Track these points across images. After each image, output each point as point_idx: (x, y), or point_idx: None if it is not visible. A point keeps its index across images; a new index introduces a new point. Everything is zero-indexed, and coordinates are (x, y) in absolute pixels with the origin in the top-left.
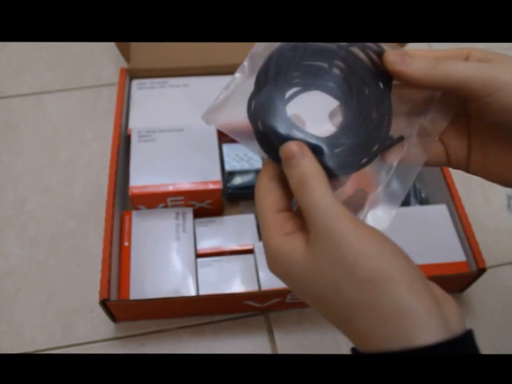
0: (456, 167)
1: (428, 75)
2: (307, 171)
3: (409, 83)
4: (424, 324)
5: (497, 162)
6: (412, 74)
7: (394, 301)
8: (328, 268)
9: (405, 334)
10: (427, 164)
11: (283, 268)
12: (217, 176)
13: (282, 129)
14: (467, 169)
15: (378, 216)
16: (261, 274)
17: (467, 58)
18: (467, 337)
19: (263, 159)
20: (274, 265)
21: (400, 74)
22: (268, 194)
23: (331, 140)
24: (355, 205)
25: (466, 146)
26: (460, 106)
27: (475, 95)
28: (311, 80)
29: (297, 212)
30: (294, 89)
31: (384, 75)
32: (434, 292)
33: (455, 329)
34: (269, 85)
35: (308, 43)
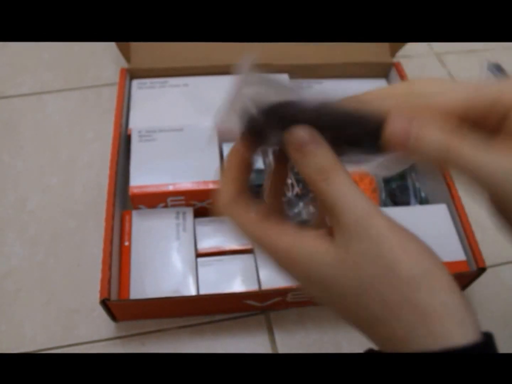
0: None
1: (438, 161)
2: (328, 161)
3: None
4: (465, 322)
5: None
6: (418, 158)
7: (437, 300)
8: (364, 267)
9: (448, 333)
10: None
11: (303, 269)
12: (218, 176)
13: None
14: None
15: None
16: (261, 273)
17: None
18: (489, 341)
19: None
20: (291, 268)
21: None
22: (240, 207)
23: None
24: None
25: None
26: None
27: (496, 200)
28: None
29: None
30: None
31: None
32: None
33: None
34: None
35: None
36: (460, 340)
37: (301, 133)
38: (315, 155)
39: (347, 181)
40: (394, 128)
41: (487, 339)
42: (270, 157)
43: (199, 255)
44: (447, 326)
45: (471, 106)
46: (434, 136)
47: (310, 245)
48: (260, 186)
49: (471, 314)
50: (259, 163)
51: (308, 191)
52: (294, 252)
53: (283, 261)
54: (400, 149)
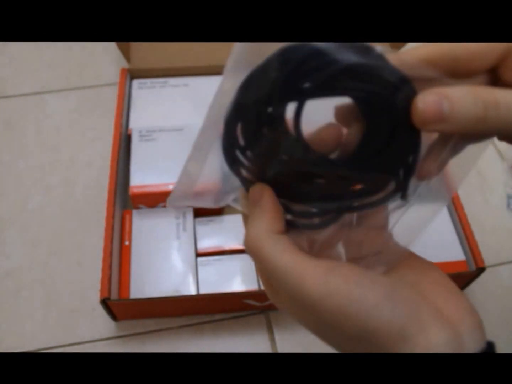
0: None
1: (476, 130)
2: (252, 221)
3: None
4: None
5: None
6: (455, 131)
7: (387, 353)
8: (319, 329)
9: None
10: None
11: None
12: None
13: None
14: None
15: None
16: None
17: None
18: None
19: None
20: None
21: (439, 132)
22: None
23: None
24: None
25: None
26: None
27: None
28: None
29: None
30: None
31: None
32: (445, 311)
33: (472, 346)
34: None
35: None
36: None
37: (255, 191)
38: (251, 227)
39: (274, 250)
40: (424, 102)
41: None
42: None
43: (199, 254)
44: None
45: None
46: (467, 95)
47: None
48: None
49: (436, 349)
50: None
51: None
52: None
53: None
54: (435, 124)
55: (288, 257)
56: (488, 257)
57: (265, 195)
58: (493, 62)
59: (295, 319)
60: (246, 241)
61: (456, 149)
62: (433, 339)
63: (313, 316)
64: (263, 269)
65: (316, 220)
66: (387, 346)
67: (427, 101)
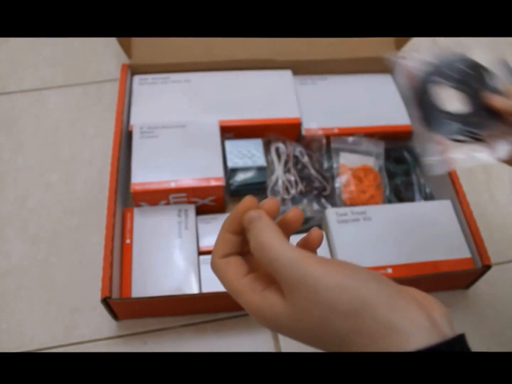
0: None
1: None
2: (260, 230)
3: None
4: (411, 335)
5: None
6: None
7: (379, 324)
8: (312, 311)
9: (399, 346)
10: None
11: (271, 323)
12: (220, 173)
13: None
14: None
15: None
16: None
17: None
18: (460, 340)
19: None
20: (264, 323)
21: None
22: (227, 266)
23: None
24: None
25: None
26: None
27: None
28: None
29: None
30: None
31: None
32: (417, 297)
33: (446, 331)
34: None
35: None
36: (414, 347)
37: (250, 213)
38: (254, 228)
39: (278, 243)
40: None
41: (447, 341)
42: (273, 155)
43: (201, 252)
44: (394, 344)
45: None
46: None
47: (269, 305)
48: (262, 183)
49: (419, 323)
50: (260, 161)
51: (312, 189)
52: (262, 312)
53: (258, 319)
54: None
55: (292, 249)
56: (494, 254)
57: (264, 216)
58: None
59: (291, 322)
60: (259, 240)
61: None
62: (415, 317)
63: (313, 298)
64: (268, 262)
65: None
66: (377, 318)
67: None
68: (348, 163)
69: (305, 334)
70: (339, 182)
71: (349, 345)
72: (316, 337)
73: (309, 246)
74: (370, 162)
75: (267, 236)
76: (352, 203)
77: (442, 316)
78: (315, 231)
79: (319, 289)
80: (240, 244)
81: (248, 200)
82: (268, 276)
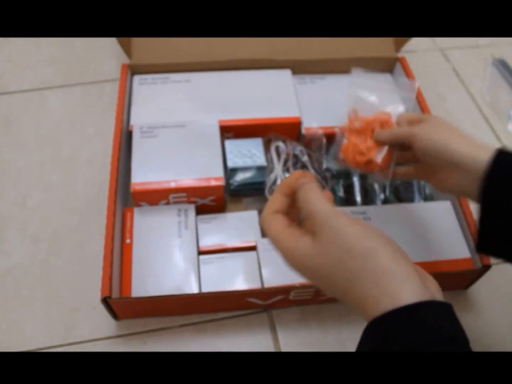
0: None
1: (388, 138)
2: (312, 189)
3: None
4: (405, 281)
5: (433, 177)
6: (384, 140)
7: (380, 268)
8: (332, 251)
9: (393, 291)
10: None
11: (299, 263)
12: (220, 173)
13: None
14: (428, 181)
15: None
16: (264, 271)
17: (420, 121)
18: (448, 306)
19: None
20: (293, 263)
21: (380, 142)
22: (274, 219)
23: None
24: None
25: (420, 168)
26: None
27: (408, 145)
28: None
29: (300, 225)
30: None
31: None
32: (417, 269)
33: (437, 297)
34: None
35: None
36: (405, 297)
37: (302, 179)
38: (307, 188)
39: (319, 198)
40: (376, 133)
41: (438, 302)
42: (272, 153)
43: (201, 252)
44: (391, 286)
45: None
46: (386, 131)
47: (301, 245)
48: (262, 183)
49: (414, 275)
50: (261, 160)
51: (326, 184)
52: (292, 248)
53: (290, 260)
54: (379, 138)
55: (328, 207)
56: None
57: (313, 181)
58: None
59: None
60: (307, 196)
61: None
62: (410, 273)
63: (334, 240)
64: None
65: None
66: (380, 263)
67: (377, 131)
68: (361, 110)
69: (322, 273)
70: (339, 136)
71: (354, 286)
72: (331, 276)
73: None
74: (393, 110)
75: (312, 195)
76: (348, 165)
77: (435, 287)
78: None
79: (340, 235)
80: (287, 205)
81: (299, 171)
82: (304, 229)
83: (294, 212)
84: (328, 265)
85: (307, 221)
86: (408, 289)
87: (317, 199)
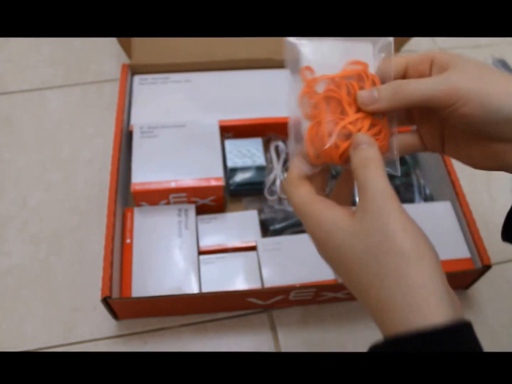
0: (433, 151)
1: (394, 103)
2: (373, 155)
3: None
4: (439, 302)
5: (467, 150)
6: (383, 108)
7: (420, 278)
8: (372, 236)
9: (422, 308)
10: (405, 151)
11: (324, 234)
12: (220, 173)
13: None
14: (442, 153)
15: None
16: (264, 271)
17: (431, 64)
18: (470, 326)
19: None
20: (316, 232)
21: (375, 112)
22: (303, 185)
23: None
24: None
25: (439, 138)
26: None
27: (438, 107)
28: None
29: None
30: None
31: None
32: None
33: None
34: None
35: None
36: (437, 318)
37: (365, 136)
38: (366, 150)
39: (381, 173)
40: (360, 94)
41: (464, 325)
42: (272, 153)
43: (201, 252)
44: (423, 302)
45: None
46: (387, 86)
47: (336, 215)
48: (261, 183)
49: (452, 297)
50: (260, 160)
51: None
52: (322, 216)
53: (314, 228)
54: (371, 105)
55: (388, 186)
56: (494, 254)
57: (376, 145)
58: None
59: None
60: (366, 163)
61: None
62: (447, 299)
63: (380, 228)
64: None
65: None
66: (424, 275)
67: (363, 92)
68: (318, 68)
69: (350, 258)
70: (295, 119)
71: (381, 285)
72: (358, 265)
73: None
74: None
75: (375, 161)
76: (324, 162)
77: (459, 306)
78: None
79: (388, 222)
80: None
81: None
82: (336, 203)
83: (320, 180)
84: (362, 251)
85: (358, 186)
86: (441, 310)
87: (377, 171)
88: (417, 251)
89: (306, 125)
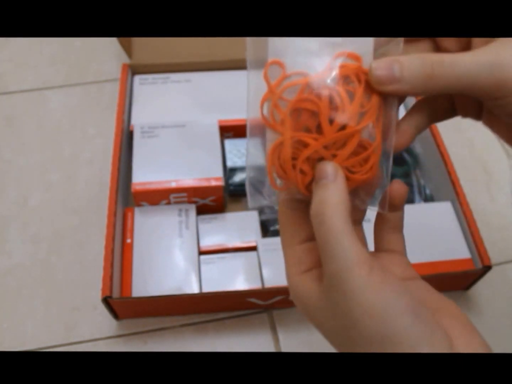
0: (465, 117)
1: (426, 87)
2: (331, 197)
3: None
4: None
5: (509, 132)
6: (408, 91)
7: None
8: (338, 316)
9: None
10: (436, 120)
11: (302, 305)
12: (219, 173)
13: None
14: (478, 119)
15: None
16: (264, 271)
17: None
18: None
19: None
20: (295, 301)
21: (395, 94)
22: (288, 224)
23: None
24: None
25: (477, 106)
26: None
27: (483, 97)
28: None
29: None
30: None
31: None
32: (445, 323)
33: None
34: None
35: None
36: None
37: (326, 167)
38: (324, 189)
39: (338, 227)
40: (376, 69)
41: None
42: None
43: (201, 252)
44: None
45: None
46: (415, 58)
47: (307, 288)
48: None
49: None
50: (260, 160)
51: None
52: (299, 290)
53: (293, 295)
54: (389, 85)
55: (352, 241)
56: (494, 255)
57: (341, 177)
58: None
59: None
60: (321, 210)
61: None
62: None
63: (347, 304)
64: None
65: None
66: (377, 347)
67: (379, 64)
68: (292, 64)
69: (328, 330)
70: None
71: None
72: (337, 338)
73: (392, 203)
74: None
75: (331, 208)
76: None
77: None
78: (396, 183)
79: (351, 303)
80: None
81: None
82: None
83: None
84: (334, 326)
85: (317, 243)
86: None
87: (333, 228)
88: (384, 336)
89: (270, 136)
